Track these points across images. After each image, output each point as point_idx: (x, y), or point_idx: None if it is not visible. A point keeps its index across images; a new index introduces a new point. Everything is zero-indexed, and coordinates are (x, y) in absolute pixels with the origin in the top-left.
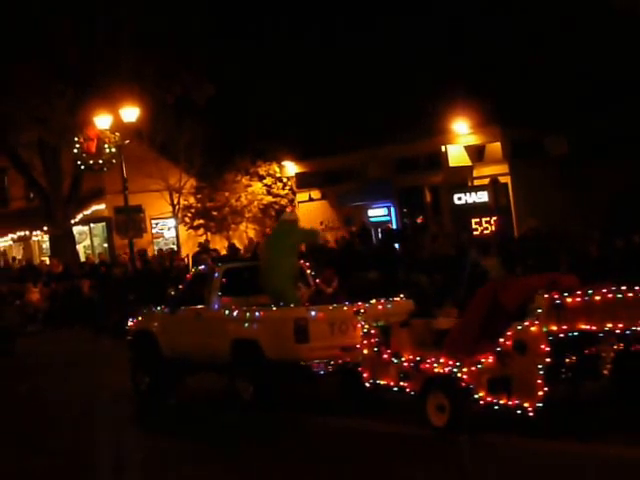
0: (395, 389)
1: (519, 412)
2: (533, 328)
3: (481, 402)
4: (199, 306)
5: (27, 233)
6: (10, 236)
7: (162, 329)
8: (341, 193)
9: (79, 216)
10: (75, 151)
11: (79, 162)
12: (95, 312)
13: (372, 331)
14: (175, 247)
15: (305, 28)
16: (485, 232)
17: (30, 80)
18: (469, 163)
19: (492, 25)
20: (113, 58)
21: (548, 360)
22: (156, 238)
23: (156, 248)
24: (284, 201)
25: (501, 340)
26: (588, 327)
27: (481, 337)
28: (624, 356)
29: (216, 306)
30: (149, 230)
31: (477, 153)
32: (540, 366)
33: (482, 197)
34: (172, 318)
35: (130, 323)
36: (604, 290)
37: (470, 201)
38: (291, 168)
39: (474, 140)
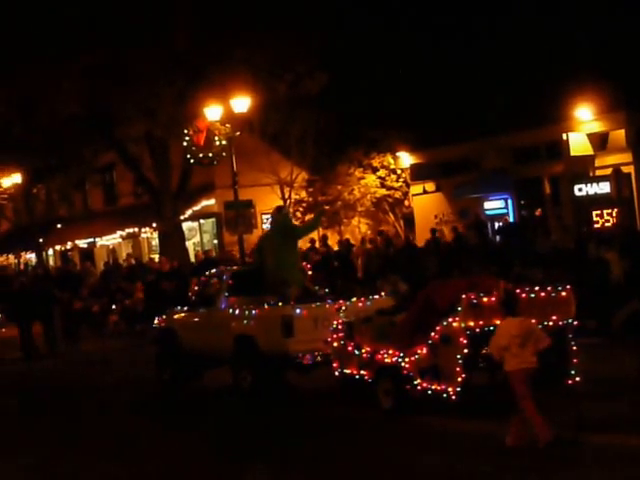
0: (357, 377)
1: (445, 396)
2: (455, 324)
3: (418, 388)
4: (211, 306)
5: (136, 230)
6: (119, 233)
7: (182, 326)
8: (456, 185)
9: (188, 212)
10: (184, 144)
11: (188, 156)
12: None
13: (339, 326)
14: None
15: (421, 12)
16: (606, 225)
17: (139, 70)
18: (591, 152)
19: (619, 5)
20: (225, 45)
21: (466, 351)
22: None
23: None
24: (398, 194)
25: (432, 334)
26: None
27: (418, 331)
28: None
29: (223, 306)
30: (259, 225)
31: (600, 141)
32: (459, 356)
33: (604, 188)
34: (190, 316)
35: (156, 321)
36: (518, 290)
37: (591, 192)
38: (405, 159)
39: (597, 127)
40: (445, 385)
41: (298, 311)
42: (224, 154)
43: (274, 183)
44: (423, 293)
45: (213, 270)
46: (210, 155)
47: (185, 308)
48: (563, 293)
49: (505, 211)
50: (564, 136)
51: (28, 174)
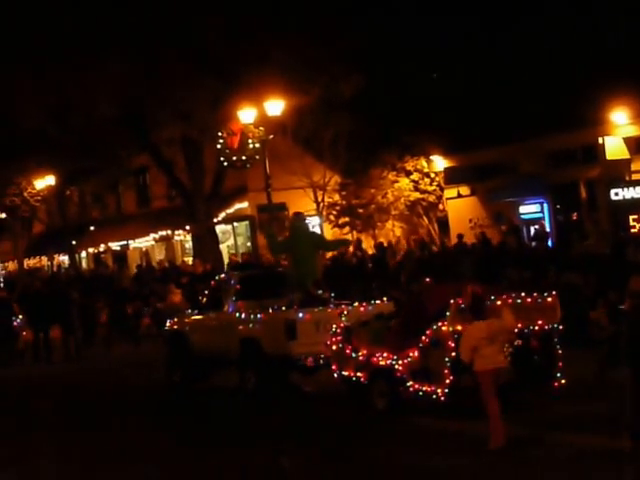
0: (353, 379)
1: (434, 396)
2: (443, 328)
3: (411, 389)
4: (219, 310)
5: (169, 233)
6: (152, 236)
7: (192, 330)
8: (491, 189)
9: (222, 215)
10: (218, 147)
11: (222, 158)
12: None
13: (338, 330)
14: None
15: (456, 13)
16: None
17: (173, 73)
18: (627, 156)
19: None
20: (259, 48)
21: (453, 354)
22: None
23: None
24: (432, 197)
25: (423, 338)
26: None
27: (410, 335)
28: (524, 350)
29: (231, 310)
30: None
31: (636, 145)
32: (447, 359)
33: None
34: (199, 320)
35: (168, 324)
36: (504, 296)
37: (628, 197)
38: (439, 163)
39: (633, 131)
40: (435, 386)
41: (301, 315)
42: (257, 157)
43: (307, 186)
44: (414, 298)
45: (222, 275)
46: (243, 158)
47: (195, 312)
48: (549, 299)
49: (541, 215)
50: (600, 140)
51: (61, 176)
